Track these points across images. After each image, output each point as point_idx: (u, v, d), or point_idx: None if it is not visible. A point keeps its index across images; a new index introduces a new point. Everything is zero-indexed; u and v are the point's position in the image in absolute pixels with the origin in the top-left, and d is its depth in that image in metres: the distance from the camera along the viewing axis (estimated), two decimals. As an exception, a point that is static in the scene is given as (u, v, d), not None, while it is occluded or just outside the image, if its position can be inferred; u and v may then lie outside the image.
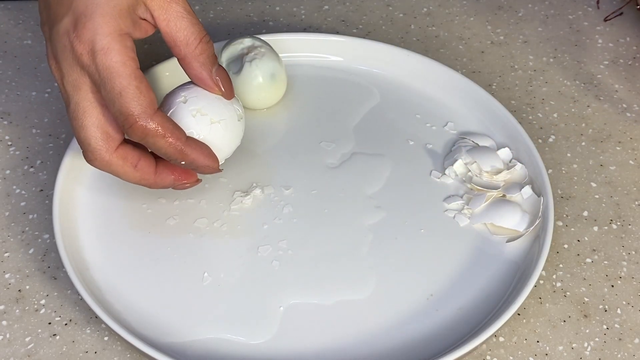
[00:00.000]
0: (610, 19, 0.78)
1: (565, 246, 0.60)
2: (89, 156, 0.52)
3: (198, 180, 0.56)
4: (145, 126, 0.50)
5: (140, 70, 0.50)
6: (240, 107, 0.56)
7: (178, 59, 0.53)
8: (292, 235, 0.57)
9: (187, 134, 0.53)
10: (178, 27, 0.52)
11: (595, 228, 0.61)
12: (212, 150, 0.54)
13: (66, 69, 0.50)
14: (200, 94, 0.54)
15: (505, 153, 0.62)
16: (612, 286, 0.58)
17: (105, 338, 0.53)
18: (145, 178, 0.53)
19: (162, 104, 0.55)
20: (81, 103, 0.51)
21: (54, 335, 0.54)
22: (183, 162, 0.53)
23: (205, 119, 0.54)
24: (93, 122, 0.51)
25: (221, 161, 0.56)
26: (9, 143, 0.65)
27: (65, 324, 0.54)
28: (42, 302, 0.55)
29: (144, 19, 0.52)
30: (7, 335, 0.53)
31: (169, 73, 0.65)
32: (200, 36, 0.52)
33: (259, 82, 0.64)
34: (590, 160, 0.66)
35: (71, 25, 0.50)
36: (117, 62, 0.49)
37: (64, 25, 0.50)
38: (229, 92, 0.55)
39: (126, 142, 0.53)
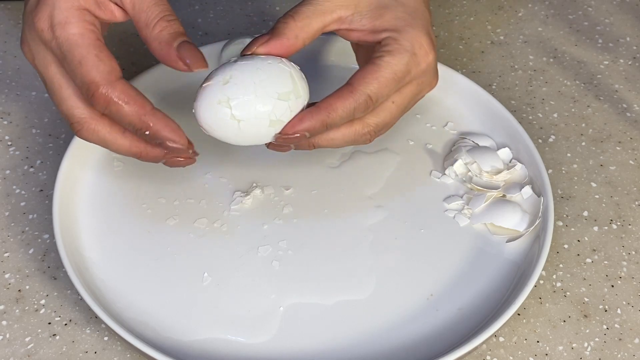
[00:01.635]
0: None
1: (565, 246, 0.60)
2: (76, 127, 0.51)
3: (189, 159, 0.53)
4: (106, 94, 0.49)
5: (102, 41, 0.50)
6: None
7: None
8: (292, 235, 0.57)
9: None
10: (141, 8, 0.50)
11: (595, 228, 0.61)
12: (179, 127, 0.51)
13: (35, 48, 0.51)
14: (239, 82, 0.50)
15: (505, 153, 0.62)
16: (612, 286, 0.58)
17: (105, 338, 0.53)
18: (135, 145, 0.52)
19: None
20: (55, 78, 0.51)
21: (54, 335, 0.54)
22: (147, 133, 0.50)
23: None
24: (71, 92, 0.51)
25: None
26: (9, 143, 0.65)
27: (65, 324, 0.54)
28: (42, 302, 0.55)
29: (114, 3, 0.51)
30: (7, 335, 0.53)
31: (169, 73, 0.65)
32: (161, 15, 0.50)
33: (259, 82, 0.63)
34: (590, 160, 0.66)
35: (34, 4, 0.51)
36: (75, 33, 0.49)
37: (30, 6, 0.51)
38: (196, 63, 0.49)
39: None
